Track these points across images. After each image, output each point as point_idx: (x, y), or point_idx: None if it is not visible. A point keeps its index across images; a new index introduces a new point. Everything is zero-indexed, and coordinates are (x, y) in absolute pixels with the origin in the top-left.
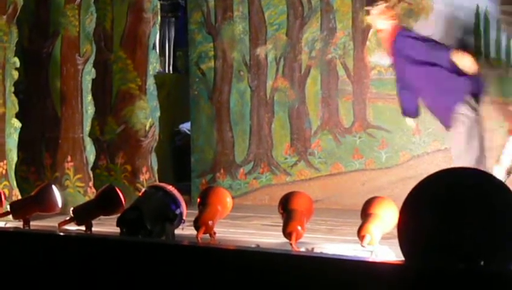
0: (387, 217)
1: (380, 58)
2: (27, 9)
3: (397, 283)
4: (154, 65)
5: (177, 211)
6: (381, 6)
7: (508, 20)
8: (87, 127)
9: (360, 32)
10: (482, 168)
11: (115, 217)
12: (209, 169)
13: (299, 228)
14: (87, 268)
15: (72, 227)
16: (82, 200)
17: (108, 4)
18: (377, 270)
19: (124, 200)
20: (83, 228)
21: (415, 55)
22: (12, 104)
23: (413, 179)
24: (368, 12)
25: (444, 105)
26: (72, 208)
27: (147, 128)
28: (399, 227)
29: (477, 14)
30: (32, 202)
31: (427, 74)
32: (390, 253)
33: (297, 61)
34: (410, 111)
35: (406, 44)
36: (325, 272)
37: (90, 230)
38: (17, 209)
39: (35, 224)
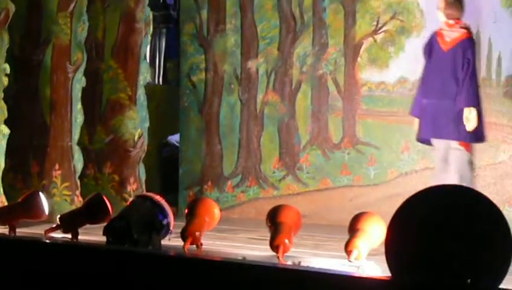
0: (374, 233)
1: (370, 75)
2: (19, 16)
3: None
4: (144, 75)
5: (165, 221)
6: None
7: None
8: (75, 136)
9: (352, 49)
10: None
11: (101, 226)
12: (197, 181)
13: (287, 241)
14: (72, 276)
15: (59, 235)
16: (69, 208)
17: (100, 13)
18: (363, 286)
19: (111, 209)
20: (69, 235)
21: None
22: (1, 111)
23: (401, 196)
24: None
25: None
26: (59, 216)
27: (136, 138)
28: (386, 243)
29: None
30: (19, 209)
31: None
32: (377, 268)
33: (288, 76)
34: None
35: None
36: (311, 286)
37: (77, 238)
38: (3, 215)
39: (21, 231)
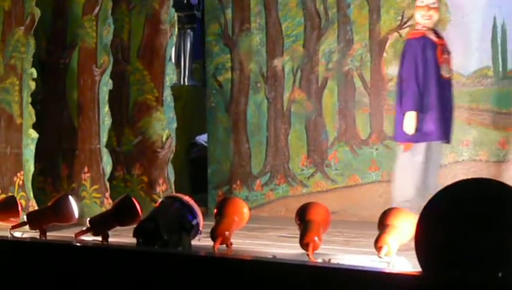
0: (404, 228)
1: (397, 70)
2: (44, 20)
3: None
4: (171, 76)
5: (194, 222)
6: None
7: None
8: (104, 138)
9: (377, 44)
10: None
11: (131, 228)
12: (225, 180)
13: (316, 238)
14: (103, 278)
15: (89, 237)
16: (98, 211)
17: (125, 15)
18: (394, 281)
19: (141, 211)
20: (99, 238)
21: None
22: (29, 115)
23: None
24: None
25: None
26: (88, 219)
27: (164, 139)
28: (416, 238)
29: (494, 25)
30: (49, 213)
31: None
32: (407, 264)
33: (314, 73)
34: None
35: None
36: (342, 282)
37: (107, 240)
38: (34, 219)
39: (52, 234)
